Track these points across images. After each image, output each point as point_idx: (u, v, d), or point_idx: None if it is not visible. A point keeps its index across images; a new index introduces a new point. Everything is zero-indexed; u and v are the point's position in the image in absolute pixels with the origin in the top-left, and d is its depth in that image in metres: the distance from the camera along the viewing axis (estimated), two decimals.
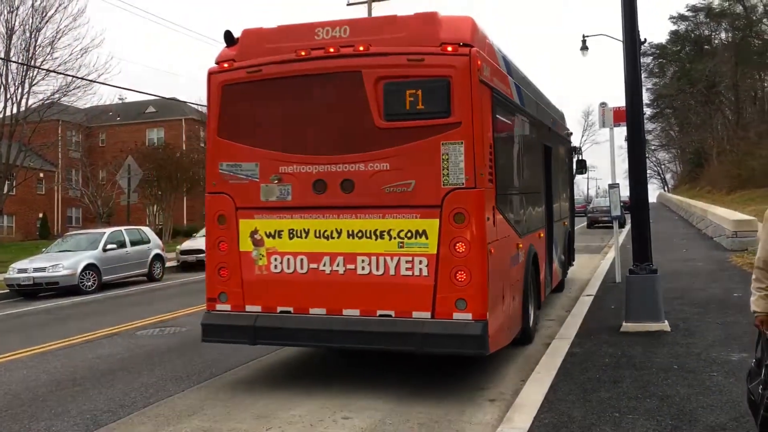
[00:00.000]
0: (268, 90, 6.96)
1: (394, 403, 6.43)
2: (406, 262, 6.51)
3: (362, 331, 6.59)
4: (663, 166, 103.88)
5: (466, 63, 6.36)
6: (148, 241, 20.71)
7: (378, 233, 6.60)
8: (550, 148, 11.34)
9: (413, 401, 6.46)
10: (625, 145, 10.21)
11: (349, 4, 31.95)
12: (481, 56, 6.60)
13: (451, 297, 6.36)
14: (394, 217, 6.54)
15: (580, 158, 15.56)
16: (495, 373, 7.34)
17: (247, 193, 7.02)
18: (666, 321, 8.47)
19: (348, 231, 6.70)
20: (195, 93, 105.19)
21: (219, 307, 7.15)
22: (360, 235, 6.66)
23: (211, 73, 7.21)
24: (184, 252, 23.41)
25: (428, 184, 6.43)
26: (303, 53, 6.80)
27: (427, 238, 6.45)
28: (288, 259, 6.91)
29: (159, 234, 29.60)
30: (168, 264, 22.01)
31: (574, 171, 15.36)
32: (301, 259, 6.86)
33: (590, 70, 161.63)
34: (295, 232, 6.88)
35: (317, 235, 6.79)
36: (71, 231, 27.54)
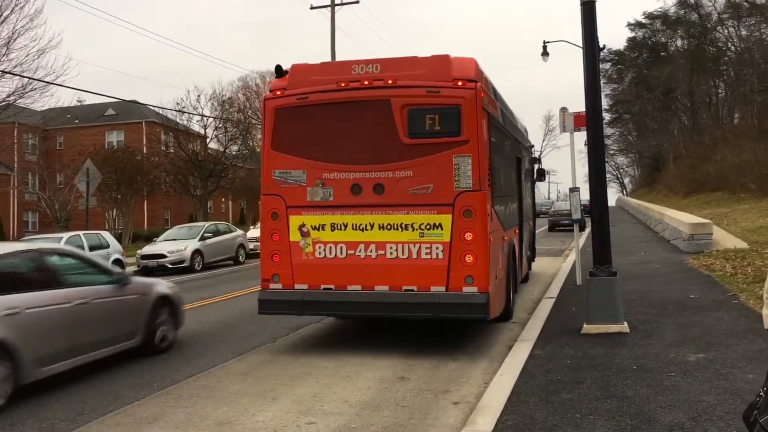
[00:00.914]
0: (314, 113, 8.80)
1: (358, 407, 6.42)
2: (426, 248, 8.40)
3: (391, 302, 8.42)
4: (621, 170, 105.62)
5: (473, 95, 8.32)
6: (107, 246, 20.34)
7: (403, 226, 8.47)
8: (520, 159, 13.37)
9: (378, 405, 6.46)
10: (585, 149, 10.46)
11: (312, 8, 31.92)
12: (483, 89, 8.60)
13: (461, 275, 8.24)
14: (416, 213, 8.42)
15: (540, 167, 17.83)
16: (458, 376, 7.38)
17: (296, 194, 8.84)
18: (625, 322, 8.61)
19: (379, 224, 8.54)
20: (155, 95, 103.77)
21: (272, 286, 8.91)
22: (389, 227, 8.52)
23: (266, 99, 9.03)
24: (144, 257, 23.04)
25: (443, 187, 8.33)
26: (343, 84, 8.68)
27: (442, 229, 8.34)
28: (330, 246, 8.73)
29: (119, 238, 29.09)
30: (128, 269, 21.63)
31: (535, 178, 17.50)
32: (341, 247, 8.68)
33: (551, 75, 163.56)
34: (336, 225, 8.70)
35: (354, 227, 8.63)
36: (28, 236, 26.86)
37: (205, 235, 24.38)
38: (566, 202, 33.15)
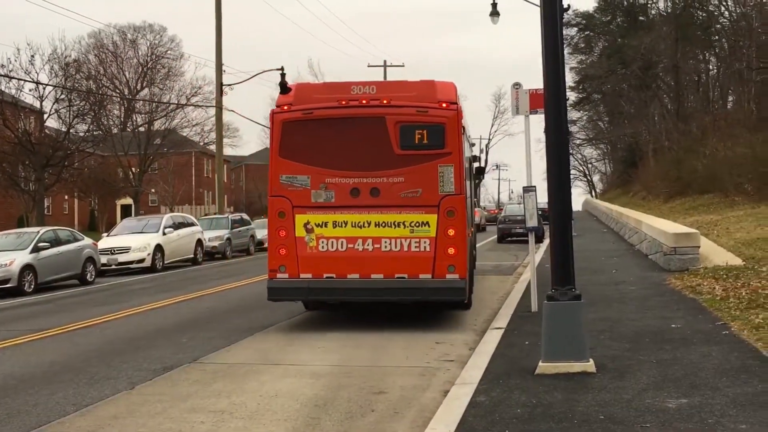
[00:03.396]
0: (318, 126, 13.02)
1: None
2: (415, 242, 12.69)
3: (385, 287, 12.77)
4: (590, 166, 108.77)
5: (455, 115, 12.91)
6: None
7: (396, 223, 12.71)
8: (470, 159, 17.59)
9: None
10: (543, 137, 10.82)
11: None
12: (461, 110, 13.25)
13: (445, 264, 12.61)
14: (407, 212, 12.69)
15: (478, 165, 21.49)
16: None
17: (302, 196, 12.93)
18: (591, 360, 8.82)
19: (375, 222, 12.76)
20: None
21: (279, 276, 13.03)
22: (383, 224, 12.74)
23: (274, 113, 13.27)
24: None
25: (430, 191, 12.67)
26: (344, 102, 12.98)
27: (429, 226, 12.64)
28: (332, 241, 12.86)
29: None
30: None
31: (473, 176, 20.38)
32: (342, 241, 12.84)
33: (503, 42, 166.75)
34: (337, 223, 12.83)
35: (353, 224, 12.80)
36: None
37: (40, 245, 23.63)
38: (520, 206, 33.76)
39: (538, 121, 15.90)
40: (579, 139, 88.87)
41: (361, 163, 12.80)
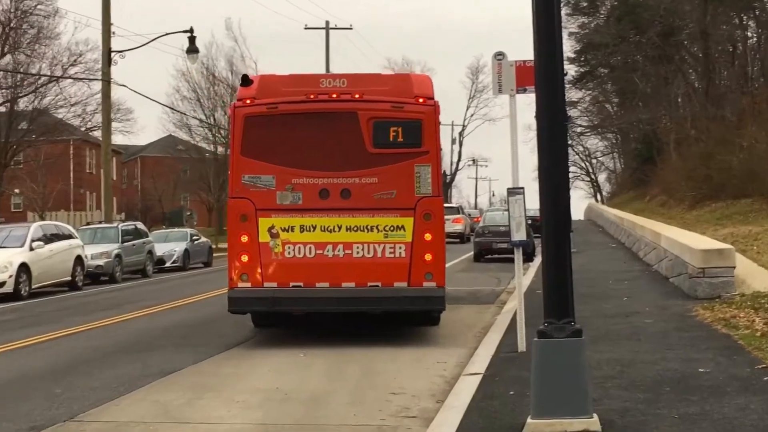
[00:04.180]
0: (284, 121, 15.25)
1: None
2: (390, 247, 14.88)
3: (357, 297, 15.00)
4: (594, 161, 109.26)
5: (432, 111, 15.25)
6: None
7: (369, 227, 14.86)
8: None
9: None
10: (534, 124, 10.74)
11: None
12: (438, 105, 15.42)
13: (422, 271, 14.84)
14: (381, 216, 14.90)
15: None
16: None
17: (266, 198, 15.00)
18: (595, 415, 8.81)
19: (346, 226, 14.88)
20: None
21: (240, 285, 15.12)
22: (355, 228, 14.89)
23: (235, 107, 15.48)
24: None
25: (405, 193, 14.89)
26: (312, 96, 15.12)
27: (404, 230, 14.84)
28: (299, 247, 14.95)
29: None
30: None
31: None
32: (310, 247, 14.93)
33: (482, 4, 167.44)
34: (305, 227, 14.93)
35: (322, 229, 14.91)
36: None
37: None
38: (503, 213, 33.69)
39: (528, 102, 15.92)
40: (580, 126, 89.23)
41: (331, 162, 14.96)
